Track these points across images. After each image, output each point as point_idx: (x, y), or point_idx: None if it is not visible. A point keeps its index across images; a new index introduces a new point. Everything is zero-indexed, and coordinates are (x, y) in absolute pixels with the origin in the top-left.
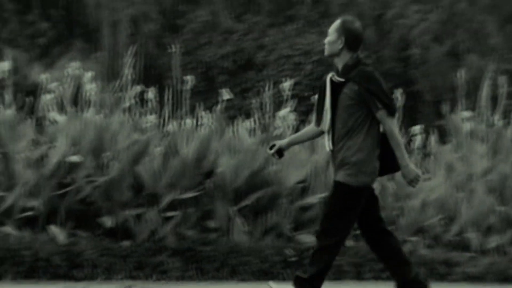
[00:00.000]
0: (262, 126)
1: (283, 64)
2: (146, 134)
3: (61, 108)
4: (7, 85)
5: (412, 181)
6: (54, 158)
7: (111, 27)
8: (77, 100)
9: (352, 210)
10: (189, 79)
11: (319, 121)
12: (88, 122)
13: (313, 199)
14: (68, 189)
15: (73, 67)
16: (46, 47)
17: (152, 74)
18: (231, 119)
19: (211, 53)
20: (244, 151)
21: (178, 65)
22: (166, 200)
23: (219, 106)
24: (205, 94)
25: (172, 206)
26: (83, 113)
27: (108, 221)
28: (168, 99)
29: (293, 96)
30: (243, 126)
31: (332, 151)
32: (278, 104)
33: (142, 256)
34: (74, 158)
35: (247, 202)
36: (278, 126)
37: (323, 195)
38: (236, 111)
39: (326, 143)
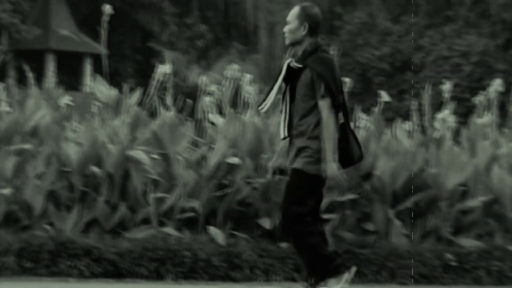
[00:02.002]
0: (420, 128)
1: (442, 66)
2: None
3: (220, 110)
4: (168, 87)
5: (331, 180)
6: (213, 159)
7: (268, 29)
8: (235, 102)
9: (312, 199)
10: (347, 81)
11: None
12: (247, 124)
13: (474, 202)
14: (227, 190)
15: (232, 69)
16: (204, 49)
17: None
18: (389, 121)
19: (368, 54)
20: (403, 153)
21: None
22: (324, 202)
23: (377, 108)
24: (361, 96)
25: (330, 208)
26: (242, 115)
27: (266, 223)
28: None
29: (452, 98)
30: (401, 128)
31: (288, 137)
32: (437, 105)
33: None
34: (233, 160)
35: (405, 204)
36: (437, 128)
37: (484, 198)
38: (393, 113)
39: (281, 130)
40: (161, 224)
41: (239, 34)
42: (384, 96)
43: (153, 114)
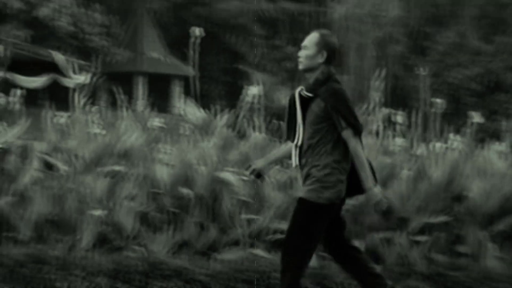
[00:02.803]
0: None
1: None
2: (393, 157)
3: None
4: (257, 108)
5: (375, 205)
6: None
7: (358, 50)
8: None
9: (316, 228)
10: (439, 102)
11: (292, 136)
12: None
13: None
14: None
15: None
16: (293, 70)
17: (397, 96)
18: (480, 141)
19: (458, 74)
20: (495, 175)
21: (427, 87)
22: (415, 223)
23: (468, 129)
24: (451, 116)
25: (421, 230)
26: None
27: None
28: (416, 122)
29: None
30: (493, 149)
31: (298, 166)
32: None
33: (391, 279)
34: None
35: (499, 227)
36: None
37: None
38: (484, 134)
39: (293, 158)
40: (251, 245)
41: None
42: (475, 117)
43: (242, 136)
